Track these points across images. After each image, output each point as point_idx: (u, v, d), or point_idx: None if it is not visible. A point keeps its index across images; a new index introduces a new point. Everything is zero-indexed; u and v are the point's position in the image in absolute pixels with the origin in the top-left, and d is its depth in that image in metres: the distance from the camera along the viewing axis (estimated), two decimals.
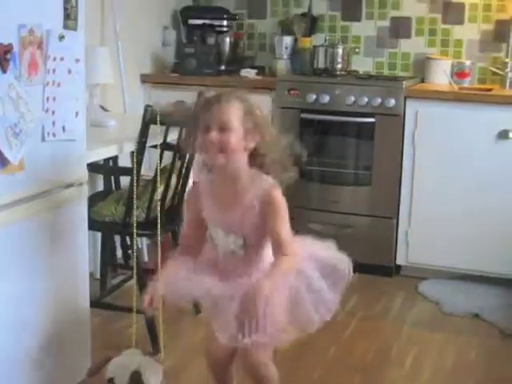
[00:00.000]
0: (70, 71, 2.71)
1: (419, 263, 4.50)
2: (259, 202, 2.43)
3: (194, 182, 2.71)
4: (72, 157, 2.80)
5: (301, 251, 2.51)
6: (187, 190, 2.68)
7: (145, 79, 4.89)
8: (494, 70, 4.76)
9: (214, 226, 2.54)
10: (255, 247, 2.51)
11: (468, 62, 4.81)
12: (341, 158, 4.62)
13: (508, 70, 4.67)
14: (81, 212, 2.94)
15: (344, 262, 2.60)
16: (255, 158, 2.47)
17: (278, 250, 2.44)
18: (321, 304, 2.53)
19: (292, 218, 2.47)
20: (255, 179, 2.45)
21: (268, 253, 2.54)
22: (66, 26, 2.66)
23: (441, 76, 4.73)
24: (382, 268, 4.56)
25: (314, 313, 2.53)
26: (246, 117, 2.41)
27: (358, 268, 4.47)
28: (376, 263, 4.54)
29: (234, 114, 2.40)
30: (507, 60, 4.68)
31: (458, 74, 4.77)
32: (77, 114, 2.79)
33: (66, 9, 2.66)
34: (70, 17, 2.68)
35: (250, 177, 2.46)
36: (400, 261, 4.55)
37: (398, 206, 4.49)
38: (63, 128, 2.72)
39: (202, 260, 2.60)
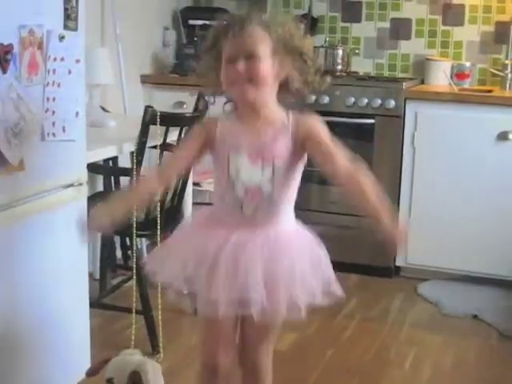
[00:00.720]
0: (70, 72, 2.71)
1: (419, 264, 4.51)
2: (296, 131, 2.22)
3: (209, 117, 2.40)
4: (72, 157, 2.80)
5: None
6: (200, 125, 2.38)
7: (145, 80, 4.89)
8: (494, 71, 4.76)
9: (236, 152, 2.22)
10: (284, 185, 2.24)
11: (468, 64, 4.81)
12: None
13: (508, 71, 4.67)
14: (80, 212, 2.94)
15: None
16: (286, 87, 2.26)
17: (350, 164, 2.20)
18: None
19: None
20: (288, 112, 2.28)
21: (292, 207, 2.33)
22: (66, 27, 2.66)
23: (441, 77, 4.74)
24: (382, 269, 4.56)
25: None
26: (275, 43, 2.17)
27: (358, 269, 4.53)
28: (375, 264, 4.54)
29: (261, 39, 2.16)
30: (507, 61, 4.69)
31: (458, 75, 4.77)
32: (77, 114, 2.79)
33: (66, 9, 2.66)
34: (70, 17, 2.68)
35: (282, 110, 2.28)
36: (399, 262, 4.56)
37: (398, 207, 4.48)
38: (63, 128, 2.71)
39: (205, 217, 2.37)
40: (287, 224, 2.32)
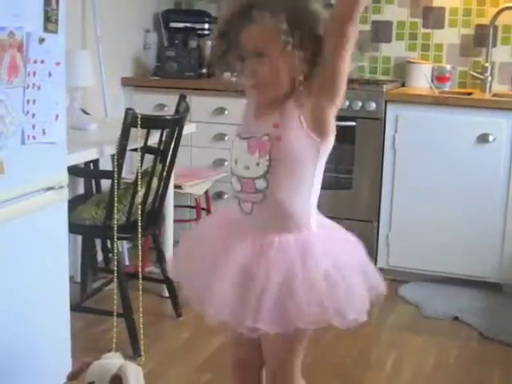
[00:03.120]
0: (50, 74, 2.69)
1: (400, 266, 4.52)
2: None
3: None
4: (52, 160, 2.79)
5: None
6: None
7: (126, 82, 4.88)
8: (474, 74, 4.78)
9: (239, 138, 2.03)
10: (284, 185, 1.96)
11: (448, 67, 4.83)
12: None
13: (488, 74, 4.70)
14: (61, 215, 2.93)
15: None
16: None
17: None
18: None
19: None
20: None
21: (310, 203, 2.05)
22: (46, 29, 2.65)
23: (421, 80, 4.76)
24: None
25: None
26: (290, 31, 1.90)
27: None
28: None
29: (269, 33, 1.89)
30: (486, 64, 4.71)
31: (439, 78, 4.80)
32: (57, 116, 2.77)
33: (46, 11, 2.64)
34: (50, 19, 2.67)
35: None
36: (381, 264, 4.56)
37: (379, 209, 4.50)
38: (43, 131, 2.70)
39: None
40: (301, 232, 2.05)
